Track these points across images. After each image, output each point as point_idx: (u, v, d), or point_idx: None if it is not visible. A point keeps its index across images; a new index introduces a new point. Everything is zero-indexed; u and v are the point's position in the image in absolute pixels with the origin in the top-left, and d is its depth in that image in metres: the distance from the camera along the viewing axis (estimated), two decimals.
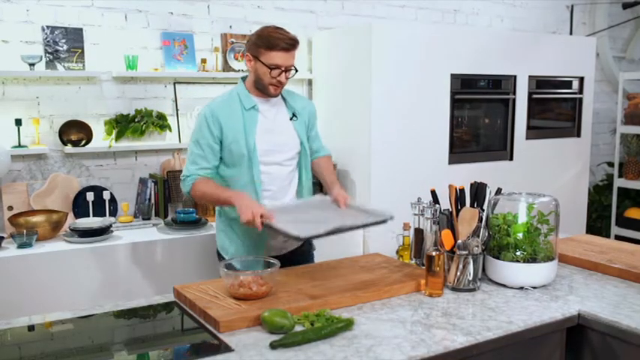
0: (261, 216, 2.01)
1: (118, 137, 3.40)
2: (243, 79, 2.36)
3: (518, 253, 1.96)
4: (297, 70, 2.29)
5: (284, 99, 2.39)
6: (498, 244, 2.00)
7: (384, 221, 2.06)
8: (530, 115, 4.25)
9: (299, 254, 2.41)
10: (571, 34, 5.27)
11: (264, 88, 2.26)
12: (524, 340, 1.71)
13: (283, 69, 2.22)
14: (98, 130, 3.41)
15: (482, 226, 2.00)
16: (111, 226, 3.11)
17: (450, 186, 2.07)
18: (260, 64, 2.22)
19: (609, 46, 5.56)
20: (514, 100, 4.15)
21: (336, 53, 3.83)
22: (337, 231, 1.95)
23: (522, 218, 1.99)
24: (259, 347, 1.53)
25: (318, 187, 3.48)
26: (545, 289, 2.00)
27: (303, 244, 2.42)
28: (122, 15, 3.44)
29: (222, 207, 2.36)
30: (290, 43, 2.20)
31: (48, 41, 3.23)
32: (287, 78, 2.26)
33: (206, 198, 2.29)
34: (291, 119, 2.37)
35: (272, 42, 2.18)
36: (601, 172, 5.69)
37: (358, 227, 2.09)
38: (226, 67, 3.71)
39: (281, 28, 2.25)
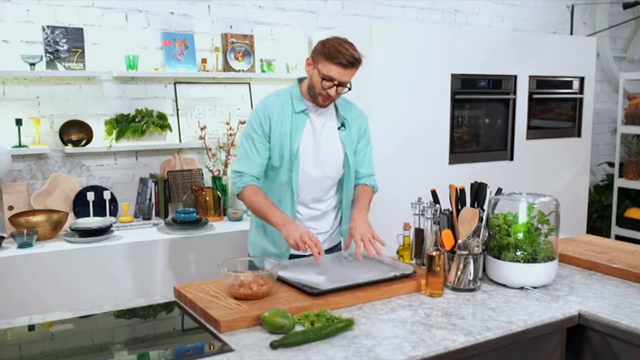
0: (307, 240, 2.04)
1: (119, 137, 3.40)
2: (300, 80, 2.34)
3: (518, 253, 1.96)
4: (350, 89, 2.23)
5: (336, 107, 2.35)
6: (499, 244, 2.00)
7: (407, 276, 2.00)
8: (531, 115, 4.25)
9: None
10: (571, 34, 5.27)
11: (314, 96, 2.23)
12: (525, 340, 1.71)
13: (336, 83, 2.17)
14: (98, 130, 3.41)
15: (483, 226, 2.00)
16: (111, 226, 3.12)
17: (451, 186, 2.07)
18: (316, 72, 2.19)
19: (610, 46, 5.56)
20: (514, 100, 4.14)
21: None
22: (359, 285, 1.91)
23: (523, 218, 1.99)
24: (260, 347, 1.54)
25: None
26: (546, 289, 2.00)
27: (336, 246, 2.44)
28: (122, 15, 3.44)
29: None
30: (350, 61, 2.14)
31: (48, 41, 3.23)
32: (338, 93, 2.21)
33: (253, 209, 2.26)
34: (339, 129, 2.32)
35: (333, 54, 2.13)
36: (601, 172, 5.69)
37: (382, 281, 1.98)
38: (227, 67, 3.71)
39: (350, 44, 2.19)
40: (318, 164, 2.28)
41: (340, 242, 2.45)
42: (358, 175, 2.42)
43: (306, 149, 2.26)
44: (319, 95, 2.21)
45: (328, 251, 2.38)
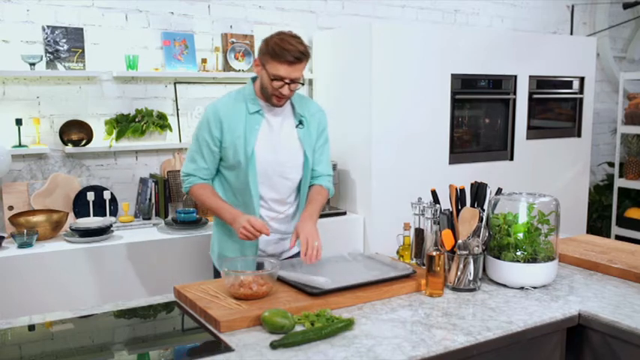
0: (254, 227, 2.04)
1: (119, 137, 3.40)
2: (254, 79, 2.27)
3: (518, 253, 1.96)
4: (303, 84, 2.19)
5: (292, 104, 2.29)
6: (499, 244, 2.00)
7: (407, 276, 1.99)
8: (531, 115, 4.25)
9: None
10: (571, 34, 5.27)
11: (267, 97, 2.19)
12: (525, 340, 1.71)
13: (287, 81, 2.12)
14: (99, 129, 3.41)
15: (483, 226, 2.00)
16: (111, 226, 3.12)
17: (451, 186, 2.07)
18: (265, 73, 2.14)
19: (610, 46, 5.56)
20: (514, 100, 4.15)
21: (337, 53, 3.83)
22: (361, 285, 1.90)
23: (523, 218, 1.99)
24: (260, 347, 1.54)
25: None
26: (546, 289, 2.00)
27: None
28: (122, 15, 3.44)
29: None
30: (297, 56, 2.08)
31: (48, 41, 3.23)
32: (291, 91, 2.16)
33: (203, 205, 2.27)
34: (297, 127, 2.27)
35: (278, 52, 2.08)
36: (601, 172, 5.69)
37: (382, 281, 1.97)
38: (227, 67, 3.71)
39: (294, 37, 2.13)
40: (277, 165, 2.23)
41: None
42: (314, 174, 2.34)
43: (263, 150, 2.20)
44: (272, 96, 2.16)
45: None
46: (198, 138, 2.25)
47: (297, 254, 2.36)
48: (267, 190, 2.25)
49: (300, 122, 2.28)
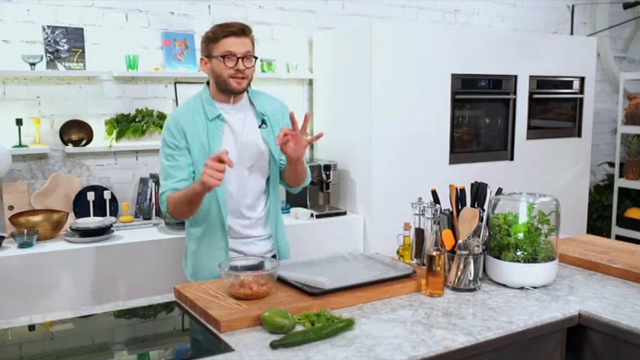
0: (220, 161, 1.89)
1: (119, 137, 3.40)
2: (208, 83, 2.21)
3: (518, 253, 1.96)
4: (256, 58, 2.14)
5: (252, 103, 2.22)
6: (499, 244, 2.00)
7: (407, 276, 1.98)
8: (531, 115, 4.26)
9: None
10: (572, 34, 5.27)
11: (225, 85, 2.10)
12: (525, 340, 1.71)
13: (239, 56, 2.07)
14: (99, 129, 3.41)
15: (483, 226, 2.00)
16: (111, 225, 3.12)
17: (451, 186, 2.07)
18: (214, 60, 2.10)
19: (610, 46, 5.56)
20: (515, 100, 4.15)
21: (337, 53, 3.83)
22: (361, 285, 1.90)
23: (523, 218, 1.99)
24: (260, 347, 1.53)
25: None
26: (546, 289, 1.99)
27: (274, 256, 2.31)
28: (123, 15, 3.44)
29: (196, 209, 2.11)
30: (240, 28, 2.08)
31: (49, 41, 3.23)
32: (247, 68, 2.09)
33: (181, 205, 2.07)
34: (260, 127, 2.21)
35: (217, 31, 2.08)
36: (602, 172, 5.69)
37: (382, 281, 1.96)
38: None
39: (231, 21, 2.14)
40: (243, 169, 2.17)
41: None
42: (284, 162, 2.23)
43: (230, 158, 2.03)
44: (230, 78, 2.09)
45: (275, 256, 2.31)
46: (166, 152, 2.13)
47: (273, 256, 2.32)
48: (236, 197, 2.19)
49: (263, 122, 2.22)
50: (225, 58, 2.07)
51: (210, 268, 2.21)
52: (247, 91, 2.24)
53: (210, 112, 2.15)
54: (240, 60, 2.08)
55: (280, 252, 2.34)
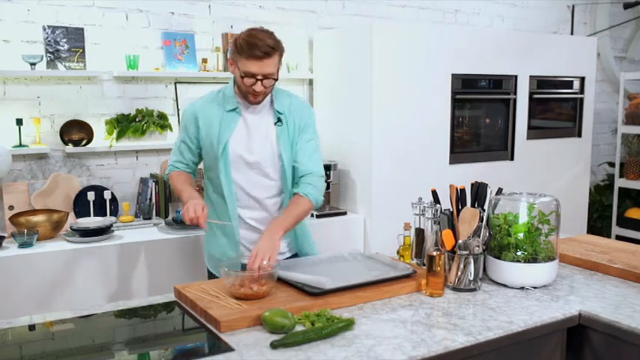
0: (195, 212, 2.06)
1: (119, 137, 3.40)
2: (235, 79, 2.22)
3: (519, 253, 1.96)
4: (276, 79, 2.11)
5: (272, 101, 2.23)
6: (499, 244, 2.00)
7: (407, 276, 1.98)
8: (531, 115, 4.25)
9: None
10: (572, 34, 5.27)
11: (244, 94, 2.15)
12: (525, 340, 1.71)
13: (259, 77, 2.06)
14: (99, 129, 3.41)
15: (483, 226, 2.00)
16: (112, 225, 3.12)
17: (451, 186, 2.07)
18: (237, 71, 2.10)
19: (610, 46, 5.56)
20: (515, 100, 4.14)
21: (337, 53, 3.83)
22: (361, 285, 1.90)
23: (523, 218, 1.99)
24: (260, 347, 1.53)
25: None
26: (546, 289, 1.99)
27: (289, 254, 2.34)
28: (123, 15, 3.44)
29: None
30: (266, 51, 2.02)
31: (49, 41, 3.23)
32: (265, 87, 2.10)
33: (174, 190, 2.35)
34: (275, 124, 2.21)
35: (246, 48, 2.03)
36: (602, 172, 5.69)
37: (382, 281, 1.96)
38: (227, 67, 3.71)
39: (264, 32, 2.08)
40: (254, 162, 2.18)
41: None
42: (300, 172, 2.22)
43: (237, 147, 2.16)
44: (247, 94, 2.12)
45: (293, 256, 2.33)
46: (180, 135, 2.33)
47: (293, 255, 2.35)
48: (246, 189, 2.21)
49: (279, 120, 2.21)
50: (246, 77, 2.08)
51: (220, 249, 2.30)
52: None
53: (229, 104, 2.20)
54: (259, 82, 2.08)
55: (302, 251, 2.35)
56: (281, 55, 2.12)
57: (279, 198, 2.27)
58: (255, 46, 2.02)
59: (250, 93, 2.12)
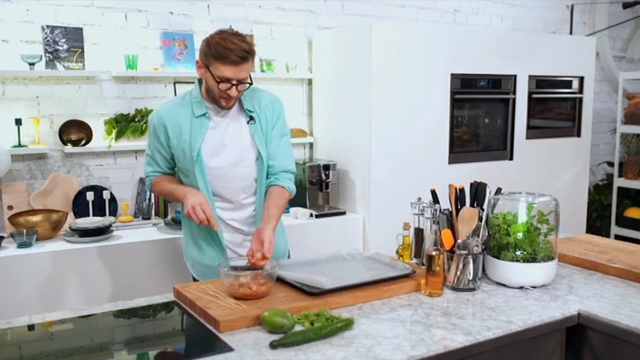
0: (206, 213, 2.03)
1: (118, 137, 3.40)
2: (200, 81, 2.16)
3: (518, 253, 1.97)
4: (251, 83, 2.09)
5: (240, 100, 2.17)
6: (498, 243, 2.00)
7: (406, 276, 1.98)
8: (530, 114, 4.26)
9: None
10: (571, 33, 5.28)
11: (214, 100, 2.10)
12: (524, 339, 1.71)
13: (234, 82, 2.02)
14: (98, 129, 3.41)
15: (482, 225, 2.00)
16: (111, 225, 3.12)
17: (450, 185, 2.07)
18: (209, 75, 2.04)
19: (609, 45, 5.57)
20: (514, 99, 4.15)
21: (336, 53, 3.83)
22: (361, 285, 1.89)
23: (522, 218, 1.99)
24: (259, 347, 1.54)
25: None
26: (545, 288, 2.00)
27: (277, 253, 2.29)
28: (122, 14, 3.44)
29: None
30: (242, 56, 1.98)
31: (48, 41, 3.23)
32: (239, 92, 2.06)
33: (163, 194, 2.31)
34: (248, 123, 2.17)
35: (222, 52, 1.97)
36: (601, 172, 5.70)
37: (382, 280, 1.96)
38: None
39: (237, 35, 2.02)
40: (228, 167, 2.15)
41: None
42: (272, 170, 2.22)
43: (210, 154, 2.12)
44: (221, 98, 2.07)
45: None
46: (149, 144, 2.25)
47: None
48: (222, 193, 2.19)
49: (251, 118, 2.17)
50: (222, 82, 2.03)
51: (198, 249, 2.27)
52: None
53: (198, 109, 2.14)
54: (234, 86, 2.04)
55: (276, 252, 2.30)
56: (254, 59, 2.09)
57: (255, 197, 2.25)
58: (232, 51, 1.98)
59: (224, 98, 2.07)
